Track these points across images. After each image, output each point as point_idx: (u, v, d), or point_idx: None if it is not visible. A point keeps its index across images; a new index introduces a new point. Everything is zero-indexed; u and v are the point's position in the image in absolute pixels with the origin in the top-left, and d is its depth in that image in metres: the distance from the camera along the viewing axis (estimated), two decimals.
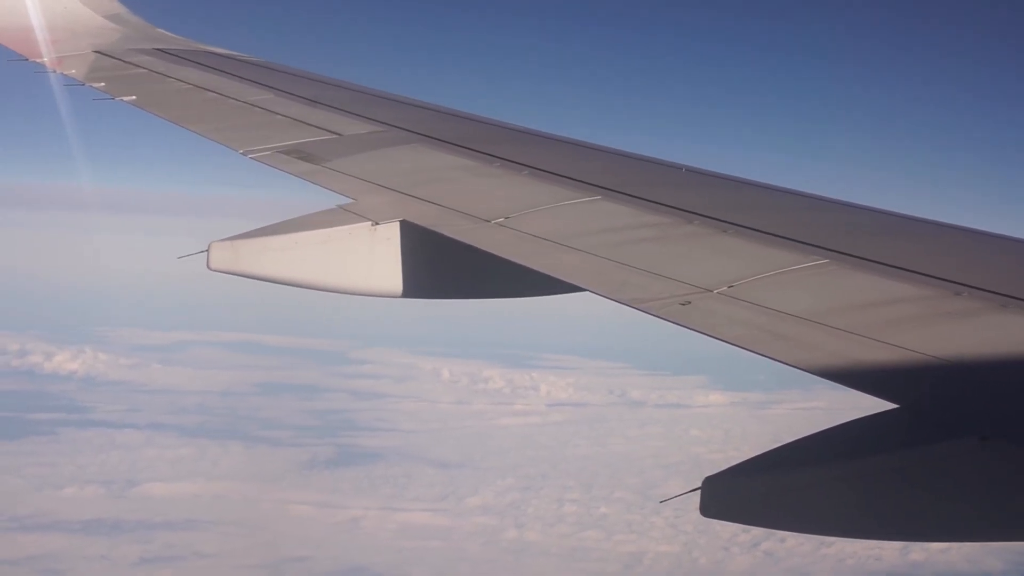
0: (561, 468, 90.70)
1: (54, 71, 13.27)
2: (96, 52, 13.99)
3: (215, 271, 7.93)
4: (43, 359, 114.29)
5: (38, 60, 13.58)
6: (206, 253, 7.93)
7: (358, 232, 8.16)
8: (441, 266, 8.32)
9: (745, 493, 5.36)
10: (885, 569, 70.59)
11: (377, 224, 8.19)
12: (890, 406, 5.29)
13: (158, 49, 14.24)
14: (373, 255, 8.16)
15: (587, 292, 6.99)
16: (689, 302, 6.43)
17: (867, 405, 5.35)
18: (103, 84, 12.63)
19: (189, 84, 12.62)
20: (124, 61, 13.60)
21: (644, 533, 78.57)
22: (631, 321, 6.80)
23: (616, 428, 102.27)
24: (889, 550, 69.16)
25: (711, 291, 6.53)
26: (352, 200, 8.67)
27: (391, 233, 8.20)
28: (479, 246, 7.66)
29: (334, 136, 10.52)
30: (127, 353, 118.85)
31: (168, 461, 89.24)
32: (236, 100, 11.89)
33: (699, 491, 5.35)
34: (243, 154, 10.11)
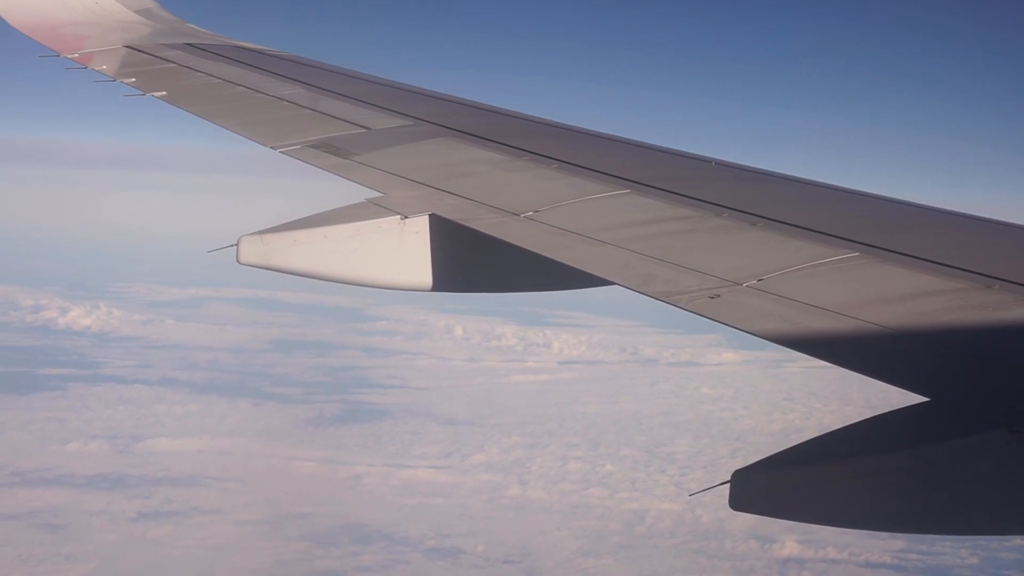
0: (569, 426, 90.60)
1: (85, 67, 13.34)
2: (127, 47, 14.05)
3: (245, 265, 7.99)
4: (57, 315, 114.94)
5: (69, 56, 13.64)
6: (236, 247, 7.96)
7: (387, 226, 8.19)
8: (470, 260, 8.34)
9: (774, 487, 5.34)
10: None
11: (406, 218, 8.21)
12: (920, 399, 5.28)
13: (188, 44, 14.30)
14: (402, 249, 8.18)
15: (615, 285, 7.01)
16: (718, 295, 6.43)
17: (896, 399, 5.35)
18: (133, 80, 12.72)
19: (219, 79, 12.68)
20: (154, 56, 13.67)
21: (648, 491, 78.39)
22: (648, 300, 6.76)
23: (627, 386, 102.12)
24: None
25: (740, 284, 6.52)
26: (381, 194, 8.71)
27: (420, 227, 8.21)
28: (508, 240, 7.69)
29: (363, 130, 10.57)
30: (142, 309, 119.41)
31: (176, 417, 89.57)
32: (265, 95, 11.95)
33: (728, 484, 5.31)
34: (272, 149, 10.17)
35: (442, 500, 76.64)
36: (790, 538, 69.98)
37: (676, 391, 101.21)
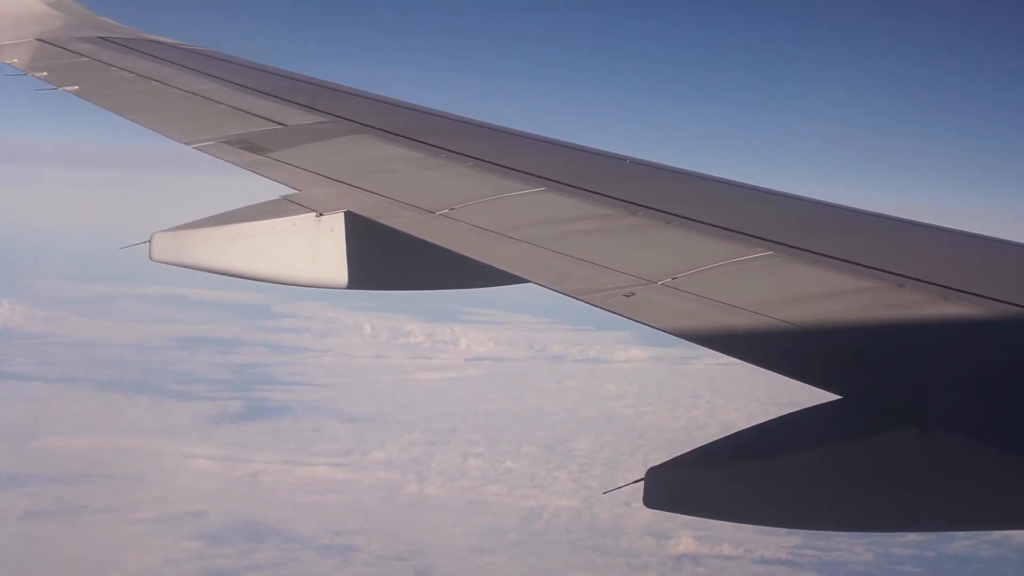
0: (471, 423, 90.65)
1: None
2: (38, 40, 13.89)
3: (157, 262, 7.90)
4: None
5: None
6: (148, 244, 7.88)
7: (302, 223, 8.16)
8: (386, 257, 8.35)
9: (689, 484, 5.33)
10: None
11: (321, 215, 8.19)
12: (831, 397, 5.32)
13: (101, 38, 14.13)
14: (318, 246, 8.16)
15: (530, 283, 7.02)
16: (633, 294, 6.45)
17: (818, 392, 5.35)
18: (45, 73, 12.56)
19: (132, 73, 12.55)
20: (66, 50, 13.50)
21: (546, 488, 78.32)
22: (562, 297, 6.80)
23: (533, 383, 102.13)
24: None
25: (655, 283, 6.55)
26: (296, 191, 8.65)
27: (335, 224, 8.20)
28: (423, 237, 7.70)
29: (278, 127, 10.51)
30: (47, 306, 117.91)
31: (73, 415, 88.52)
32: (180, 90, 11.85)
33: (642, 482, 5.27)
34: (187, 144, 10.10)
35: (339, 498, 76.40)
36: (686, 534, 70.21)
37: (582, 388, 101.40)
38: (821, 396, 5.31)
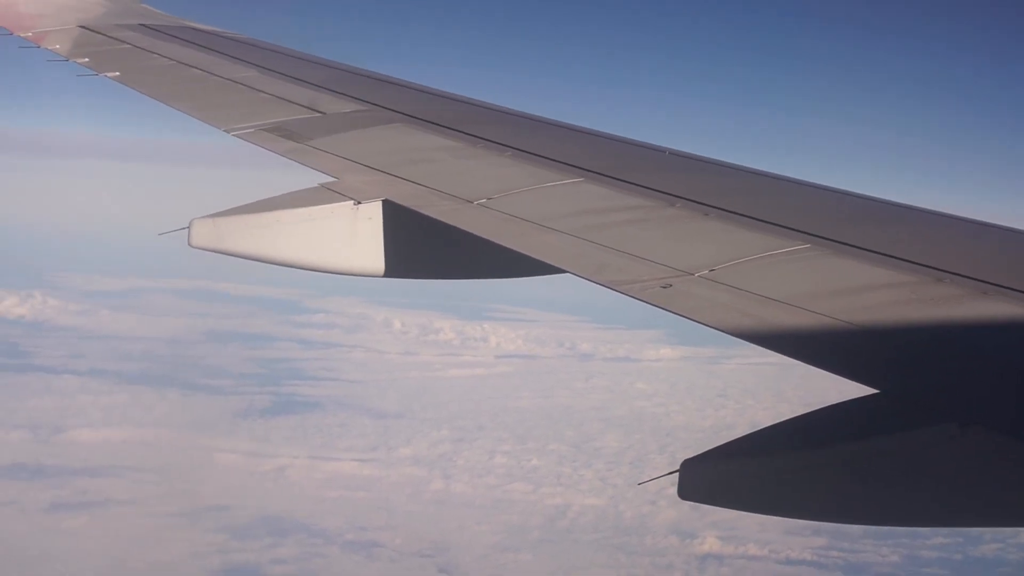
0: (499, 420, 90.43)
1: (38, 45, 13.32)
2: (81, 27, 14.02)
3: (196, 248, 7.93)
4: None
5: (23, 34, 13.60)
6: (187, 230, 7.92)
7: (340, 211, 8.19)
8: (423, 246, 8.34)
9: (723, 477, 5.36)
10: (811, 525, 70.25)
11: (359, 203, 8.21)
12: (870, 391, 5.28)
13: (143, 25, 14.28)
14: (355, 234, 8.19)
15: (568, 274, 7.01)
16: (670, 285, 6.44)
17: (848, 390, 5.31)
18: (87, 59, 12.67)
19: (173, 60, 12.66)
20: (108, 36, 13.63)
21: (572, 486, 78.09)
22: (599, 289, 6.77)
23: (562, 381, 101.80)
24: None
25: (692, 274, 6.53)
26: (335, 179, 8.69)
27: (373, 212, 8.22)
28: (461, 226, 7.71)
29: (317, 115, 10.56)
30: (78, 299, 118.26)
31: (102, 408, 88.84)
32: (220, 77, 11.94)
33: (677, 474, 5.29)
34: (227, 132, 10.16)
35: (364, 494, 76.37)
36: (711, 534, 69.77)
37: (611, 386, 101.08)
38: (852, 395, 5.30)
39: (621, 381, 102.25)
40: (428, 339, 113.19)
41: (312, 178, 8.74)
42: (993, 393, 5.19)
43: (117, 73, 12.05)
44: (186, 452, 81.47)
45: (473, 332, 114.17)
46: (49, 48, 13.11)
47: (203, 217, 7.95)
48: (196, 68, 12.27)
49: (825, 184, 8.57)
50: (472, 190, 8.27)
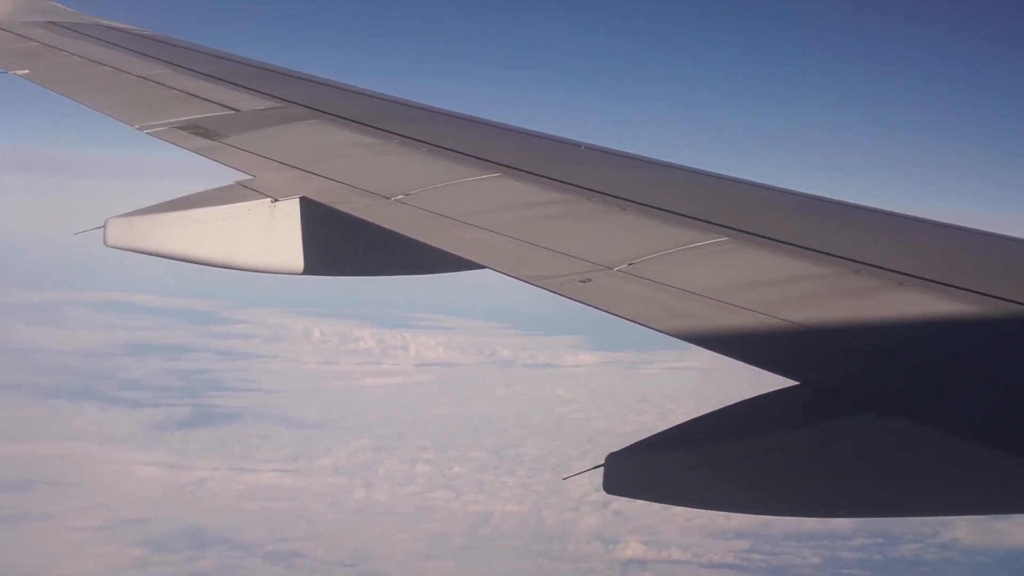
0: (420, 428, 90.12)
1: None
2: None
3: (112, 247, 7.87)
4: None
5: None
6: (103, 229, 7.86)
7: (257, 209, 8.18)
8: (341, 243, 8.36)
9: (649, 469, 5.38)
10: (734, 528, 70.84)
11: (276, 201, 8.20)
12: (789, 382, 5.32)
13: (51, 22, 14.18)
14: (273, 232, 8.16)
15: (486, 269, 7.02)
16: (589, 279, 6.47)
17: (769, 388, 5.34)
18: None
19: (84, 58, 12.56)
20: (16, 34, 13.54)
21: (494, 493, 78.02)
22: (518, 286, 6.72)
23: (482, 388, 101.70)
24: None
25: (611, 268, 6.56)
26: (251, 176, 8.67)
27: (291, 210, 8.21)
28: (379, 223, 7.72)
29: (232, 112, 10.52)
30: None
31: (15, 422, 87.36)
32: (131, 74, 11.85)
33: (602, 468, 5.35)
34: (139, 129, 10.09)
35: (285, 504, 75.86)
36: (634, 539, 69.78)
37: (531, 393, 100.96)
38: (771, 389, 5.31)
39: (541, 387, 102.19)
40: (348, 348, 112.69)
41: (228, 176, 8.72)
42: (911, 382, 5.22)
43: (27, 71, 11.94)
44: (104, 465, 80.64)
45: (393, 340, 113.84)
46: None
47: (118, 216, 7.91)
48: (107, 65, 12.15)
49: (747, 179, 8.68)
50: (389, 186, 8.27)
